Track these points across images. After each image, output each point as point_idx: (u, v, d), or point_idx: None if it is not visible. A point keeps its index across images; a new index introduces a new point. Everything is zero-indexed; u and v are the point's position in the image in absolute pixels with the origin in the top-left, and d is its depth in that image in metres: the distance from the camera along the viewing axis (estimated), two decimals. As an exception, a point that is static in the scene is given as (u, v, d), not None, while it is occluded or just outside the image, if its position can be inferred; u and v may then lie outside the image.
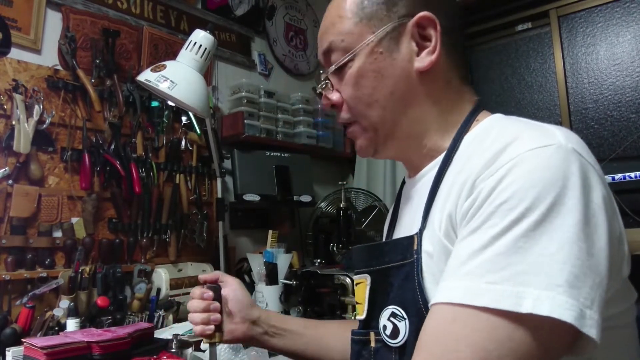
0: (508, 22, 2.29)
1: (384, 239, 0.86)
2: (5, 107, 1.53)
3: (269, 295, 1.78)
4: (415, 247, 0.63)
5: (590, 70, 2.10)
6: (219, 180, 2.13)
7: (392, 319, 0.64)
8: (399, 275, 0.64)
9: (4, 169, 1.51)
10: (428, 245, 0.62)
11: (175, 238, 1.95)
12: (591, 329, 0.46)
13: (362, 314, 0.71)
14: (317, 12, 2.86)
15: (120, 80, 1.82)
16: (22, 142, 1.53)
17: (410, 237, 0.65)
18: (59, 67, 1.70)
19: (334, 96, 0.74)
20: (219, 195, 2.12)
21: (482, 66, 2.40)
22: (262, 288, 1.80)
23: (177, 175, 2.01)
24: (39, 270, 1.55)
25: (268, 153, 2.30)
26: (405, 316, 0.62)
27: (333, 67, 0.72)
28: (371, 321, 0.69)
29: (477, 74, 2.38)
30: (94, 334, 1.19)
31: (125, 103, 1.83)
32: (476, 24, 2.35)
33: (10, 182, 1.52)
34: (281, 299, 1.80)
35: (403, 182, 0.84)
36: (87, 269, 1.61)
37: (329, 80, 0.74)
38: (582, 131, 2.10)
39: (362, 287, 0.71)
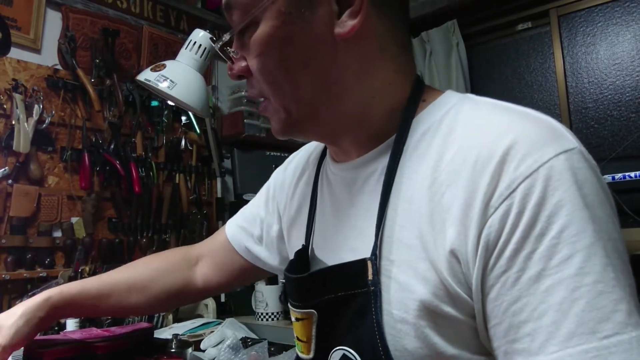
0: (508, 22, 2.29)
1: (298, 237, 0.70)
2: (5, 106, 1.53)
3: (268, 295, 1.78)
4: (370, 277, 0.50)
5: (590, 70, 2.10)
6: (219, 180, 2.13)
7: None
8: (351, 308, 0.52)
9: (3, 169, 1.51)
10: (403, 276, 0.49)
11: (175, 238, 1.95)
12: None
13: (308, 354, 0.58)
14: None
15: (120, 79, 1.81)
16: (22, 142, 1.52)
17: (362, 262, 0.51)
18: (59, 67, 1.70)
19: (239, 65, 0.57)
20: (219, 195, 2.12)
21: (482, 66, 2.40)
22: (261, 288, 1.80)
23: (177, 175, 2.01)
24: (38, 270, 1.55)
25: (268, 152, 2.30)
26: None
27: (233, 31, 0.56)
28: None
29: (477, 74, 2.38)
30: (94, 334, 1.18)
31: (125, 103, 1.83)
32: (476, 24, 2.34)
33: (10, 181, 1.52)
34: (281, 299, 1.80)
35: (320, 163, 0.69)
36: (87, 268, 1.61)
37: (235, 42, 0.57)
38: (582, 131, 2.10)
39: (306, 324, 0.57)
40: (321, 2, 0.52)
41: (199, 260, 0.90)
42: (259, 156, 2.27)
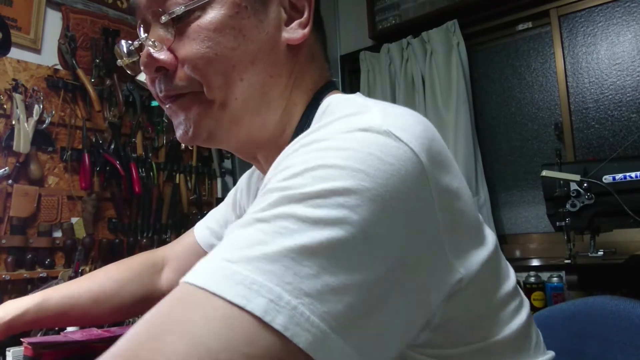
0: (508, 22, 2.28)
1: None
2: (5, 106, 1.53)
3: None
4: None
5: (590, 70, 2.10)
6: (219, 180, 2.13)
7: None
8: None
9: (3, 169, 1.51)
10: None
11: (175, 238, 1.94)
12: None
13: None
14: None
15: (120, 79, 1.81)
16: (22, 142, 1.52)
17: None
18: (59, 67, 1.70)
19: (164, 55, 0.51)
20: (219, 195, 2.12)
21: (482, 66, 2.39)
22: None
23: (177, 175, 2.01)
24: (38, 270, 1.54)
25: (268, 153, 2.30)
26: None
27: (174, 12, 0.50)
28: None
29: (477, 74, 2.38)
30: (94, 334, 1.18)
31: (125, 103, 1.83)
32: (476, 24, 2.34)
33: (10, 182, 1.52)
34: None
35: None
36: (87, 268, 1.61)
37: (161, 31, 0.52)
38: (582, 131, 2.10)
39: None
40: (271, 6, 0.54)
41: (165, 265, 0.89)
42: (259, 156, 2.26)
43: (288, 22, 0.55)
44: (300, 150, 0.39)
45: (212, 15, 0.50)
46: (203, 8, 0.51)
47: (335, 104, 0.53)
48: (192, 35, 0.51)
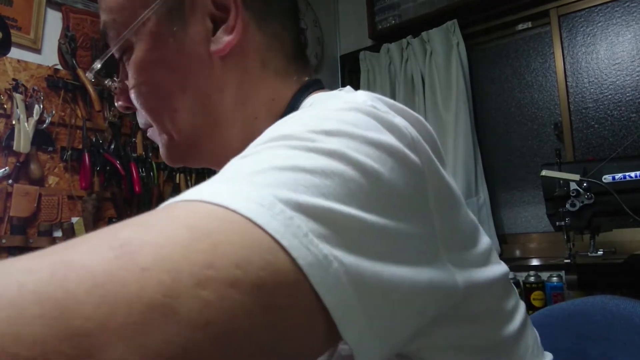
0: (508, 22, 2.28)
1: None
2: (5, 106, 1.53)
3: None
4: None
5: (590, 70, 2.10)
6: (219, 180, 2.13)
7: None
8: None
9: (4, 169, 1.51)
10: None
11: (175, 238, 1.95)
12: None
13: None
14: (317, 11, 2.85)
15: (120, 79, 1.82)
16: (22, 142, 1.52)
17: None
18: (59, 67, 1.70)
19: (122, 101, 0.54)
20: (219, 194, 2.12)
21: (482, 66, 2.40)
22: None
23: (177, 175, 2.01)
24: (39, 270, 1.55)
25: (268, 153, 2.30)
26: None
27: (104, 56, 0.52)
28: None
29: (477, 74, 2.38)
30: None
31: (125, 103, 1.83)
32: (476, 24, 2.34)
33: (10, 181, 1.52)
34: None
35: None
36: (87, 268, 1.61)
37: (121, 71, 0.54)
38: (582, 130, 2.10)
39: None
40: (194, 20, 0.48)
41: None
42: (259, 156, 2.26)
43: (216, 31, 0.49)
44: (282, 122, 0.37)
45: (136, 53, 0.49)
46: (131, 47, 0.49)
47: (316, 101, 0.50)
48: (129, 75, 0.51)
